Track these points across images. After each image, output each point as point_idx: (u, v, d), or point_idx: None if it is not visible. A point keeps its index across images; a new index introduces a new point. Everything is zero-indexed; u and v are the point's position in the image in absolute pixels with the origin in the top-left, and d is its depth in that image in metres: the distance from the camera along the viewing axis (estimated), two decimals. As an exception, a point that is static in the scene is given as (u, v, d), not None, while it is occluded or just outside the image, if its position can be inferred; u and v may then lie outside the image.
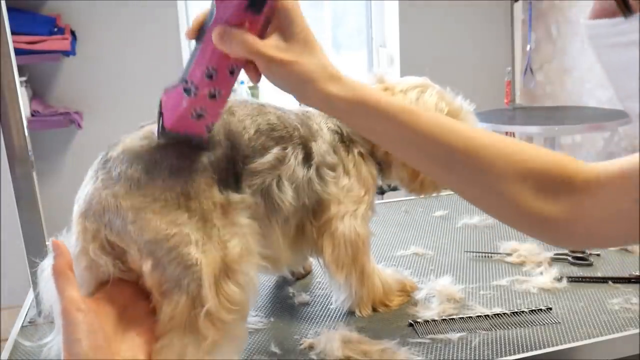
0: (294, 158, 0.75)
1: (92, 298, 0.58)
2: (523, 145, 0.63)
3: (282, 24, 0.57)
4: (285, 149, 0.74)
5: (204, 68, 0.58)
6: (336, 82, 0.59)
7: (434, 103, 0.85)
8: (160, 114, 0.61)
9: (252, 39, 0.56)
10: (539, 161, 0.62)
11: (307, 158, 0.77)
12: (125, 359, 0.56)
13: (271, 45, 0.57)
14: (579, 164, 0.62)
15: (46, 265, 0.62)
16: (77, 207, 0.62)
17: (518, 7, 3.14)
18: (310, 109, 0.84)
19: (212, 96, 0.59)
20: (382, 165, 0.86)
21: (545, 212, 0.61)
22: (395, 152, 0.66)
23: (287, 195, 0.73)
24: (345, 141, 0.82)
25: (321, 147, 0.79)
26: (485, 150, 0.61)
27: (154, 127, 0.64)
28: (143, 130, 0.66)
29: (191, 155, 0.64)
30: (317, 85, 0.58)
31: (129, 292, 0.60)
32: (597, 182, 0.60)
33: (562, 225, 0.61)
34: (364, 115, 0.60)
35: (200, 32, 0.59)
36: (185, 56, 2.91)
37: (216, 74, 0.58)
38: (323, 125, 0.81)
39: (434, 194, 0.89)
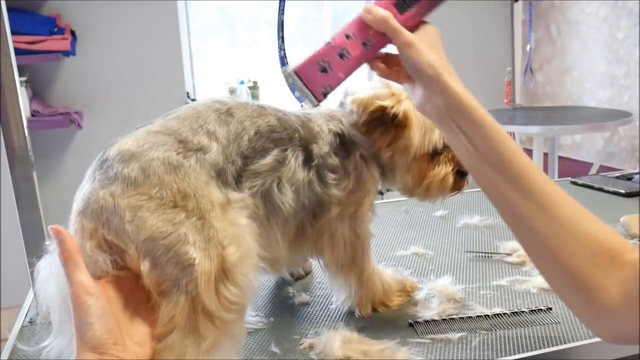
0: (294, 160, 0.75)
1: (99, 283, 0.58)
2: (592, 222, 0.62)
3: (420, 31, 0.70)
4: (285, 150, 0.74)
5: (347, 31, 0.68)
6: (455, 79, 0.67)
7: None
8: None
9: (395, 20, 0.68)
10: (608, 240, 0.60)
11: (308, 160, 0.77)
12: (137, 342, 0.56)
13: (411, 35, 0.68)
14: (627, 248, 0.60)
15: (42, 266, 0.62)
16: (75, 206, 0.62)
17: (518, 7, 3.15)
18: (312, 111, 0.84)
19: (341, 55, 0.68)
20: (385, 169, 0.86)
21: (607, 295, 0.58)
22: (469, 163, 0.68)
23: (287, 197, 0.73)
24: (346, 143, 0.82)
25: (322, 148, 0.78)
26: (562, 215, 0.61)
27: (151, 127, 0.66)
28: (139, 131, 0.66)
29: (188, 154, 0.64)
30: (441, 75, 0.66)
31: (132, 279, 0.60)
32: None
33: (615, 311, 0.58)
34: (464, 118, 0.66)
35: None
36: (185, 56, 2.91)
37: (354, 38, 0.68)
38: (324, 127, 0.81)
39: (439, 200, 0.89)
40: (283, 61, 1.03)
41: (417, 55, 0.67)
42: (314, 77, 0.68)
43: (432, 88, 0.67)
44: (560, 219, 0.61)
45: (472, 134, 0.65)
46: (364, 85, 0.87)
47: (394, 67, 0.72)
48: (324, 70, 0.68)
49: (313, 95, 0.70)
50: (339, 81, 0.70)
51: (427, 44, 0.68)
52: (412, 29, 0.70)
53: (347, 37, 0.68)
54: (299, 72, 0.69)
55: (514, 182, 0.63)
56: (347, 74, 0.70)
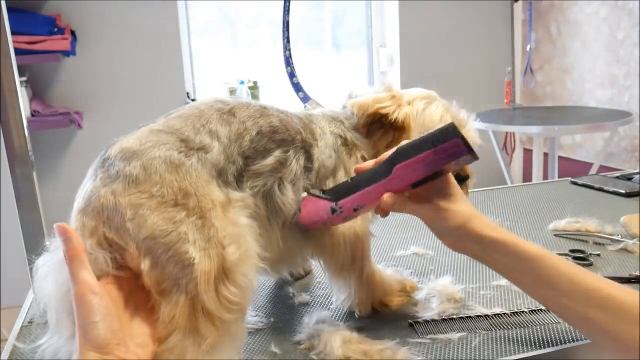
0: (296, 161, 0.75)
1: (101, 282, 0.58)
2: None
3: (438, 186, 0.71)
4: (287, 151, 0.74)
5: (356, 204, 0.72)
6: (483, 222, 0.70)
7: (440, 115, 0.85)
8: (298, 209, 0.75)
9: (420, 208, 0.71)
10: None
11: (309, 161, 0.77)
12: (138, 344, 0.56)
13: (431, 210, 0.71)
14: None
15: (41, 264, 0.62)
16: (76, 204, 0.62)
17: (518, 7, 3.15)
18: (314, 113, 0.84)
19: (345, 219, 0.75)
20: None
21: None
22: (525, 289, 0.71)
23: (288, 198, 0.73)
24: (348, 145, 0.82)
25: (323, 150, 0.79)
26: (622, 313, 0.62)
27: (153, 126, 0.67)
28: (141, 130, 0.66)
29: (190, 152, 0.64)
30: (468, 228, 0.70)
31: (132, 279, 0.60)
32: None
33: None
34: (504, 253, 0.69)
35: (362, 175, 0.74)
36: (185, 56, 2.91)
37: (360, 209, 0.73)
38: (326, 129, 0.81)
39: None
40: (288, 61, 1.04)
41: (444, 223, 0.70)
42: (317, 225, 0.77)
43: (466, 241, 0.71)
44: (624, 312, 0.62)
45: (516, 264, 0.69)
46: (366, 89, 0.87)
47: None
48: (325, 224, 0.76)
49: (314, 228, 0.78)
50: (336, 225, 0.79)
51: (449, 201, 0.70)
52: (425, 191, 0.72)
53: (355, 210, 0.73)
54: (304, 223, 0.76)
55: (570, 295, 0.65)
56: (342, 222, 0.77)
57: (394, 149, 0.71)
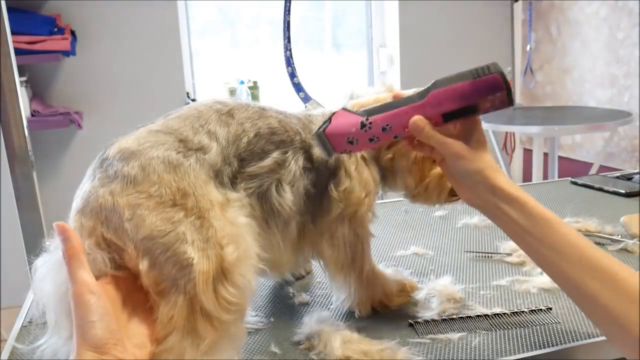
0: (295, 162, 0.75)
1: (99, 282, 0.58)
2: None
3: (467, 129, 0.72)
4: (285, 153, 0.74)
5: (386, 123, 0.71)
6: (501, 175, 0.71)
7: None
8: (329, 120, 0.73)
9: (447, 141, 0.71)
10: None
11: (309, 161, 0.77)
12: (135, 344, 0.56)
13: (458, 146, 0.71)
14: None
15: (40, 264, 0.61)
16: (75, 205, 0.62)
17: (518, 7, 3.15)
18: (314, 113, 0.84)
19: (371, 140, 0.72)
20: (386, 172, 0.86)
21: None
22: (529, 249, 0.70)
23: (286, 199, 0.73)
24: None
25: None
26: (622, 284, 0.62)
27: (152, 126, 0.67)
28: (140, 130, 0.66)
29: (188, 153, 0.64)
30: (487, 174, 0.70)
31: (130, 280, 0.60)
32: None
33: None
34: (515, 208, 0.69)
35: (398, 100, 0.73)
36: (185, 56, 2.91)
37: (389, 130, 0.71)
38: None
39: (437, 204, 0.88)
40: (289, 62, 1.04)
41: (466, 164, 0.71)
42: (340, 143, 0.73)
43: (481, 189, 0.71)
44: (626, 291, 0.62)
45: (525, 222, 0.68)
46: (367, 90, 0.87)
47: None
48: (351, 143, 0.72)
49: (333, 150, 0.73)
50: (361, 150, 0.79)
51: (473, 147, 0.71)
52: (453, 131, 0.73)
53: (384, 129, 0.71)
54: (329, 136, 0.72)
55: (573, 263, 0.65)
56: (370, 149, 0.78)
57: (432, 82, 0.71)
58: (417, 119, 0.70)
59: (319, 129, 0.73)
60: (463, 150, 0.70)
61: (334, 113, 0.74)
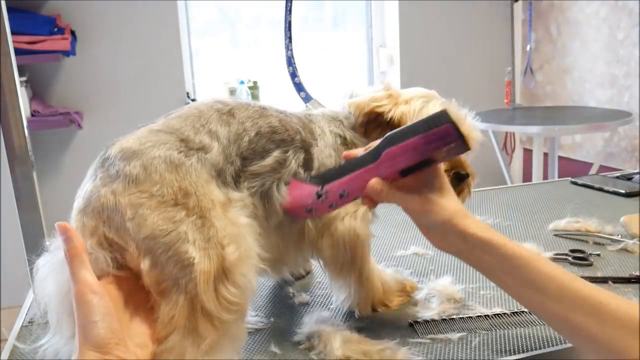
0: (295, 161, 0.75)
1: (101, 282, 0.58)
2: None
3: (428, 177, 0.70)
4: (286, 152, 0.74)
5: (342, 189, 0.70)
6: (470, 220, 0.69)
7: None
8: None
9: (407, 198, 0.70)
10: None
11: (308, 161, 0.77)
12: (137, 344, 0.56)
13: (418, 200, 0.70)
14: None
15: (41, 264, 0.62)
16: (76, 204, 0.62)
17: (518, 7, 3.15)
18: (314, 112, 0.84)
19: (330, 206, 0.72)
20: None
21: None
22: (510, 291, 0.69)
23: (287, 198, 0.73)
24: (347, 144, 0.82)
25: (323, 149, 0.79)
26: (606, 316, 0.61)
27: (153, 126, 0.67)
28: (141, 130, 0.66)
29: (190, 152, 0.64)
30: (455, 222, 0.68)
31: (132, 279, 0.60)
32: None
33: None
34: (490, 253, 0.67)
35: (350, 161, 0.72)
36: (185, 56, 2.91)
37: (346, 196, 0.71)
38: (326, 129, 0.81)
39: None
40: (290, 61, 1.04)
41: (432, 217, 0.69)
42: (300, 214, 0.74)
43: (452, 238, 0.69)
44: (611, 318, 0.60)
45: (502, 264, 0.67)
46: (366, 89, 0.87)
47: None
48: (310, 212, 0.72)
49: (297, 219, 0.75)
50: (324, 215, 0.77)
51: (437, 195, 0.69)
52: (413, 181, 0.71)
53: (341, 195, 0.70)
54: (287, 211, 0.73)
55: (555, 298, 0.63)
56: (329, 212, 0.76)
57: (384, 137, 0.69)
58: (374, 182, 0.69)
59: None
60: (425, 205, 0.69)
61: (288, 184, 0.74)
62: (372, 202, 0.72)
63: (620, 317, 0.60)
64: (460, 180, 0.83)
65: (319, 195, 0.70)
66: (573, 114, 2.60)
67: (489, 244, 0.67)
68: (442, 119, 0.65)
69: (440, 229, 0.69)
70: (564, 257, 1.00)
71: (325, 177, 0.72)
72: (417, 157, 0.67)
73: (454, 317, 0.81)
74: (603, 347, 0.60)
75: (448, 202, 0.69)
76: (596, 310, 0.61)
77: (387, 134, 0.69)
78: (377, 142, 0.70)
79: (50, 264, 0.61)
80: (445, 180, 0.71)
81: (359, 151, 0.73)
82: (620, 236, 1.07)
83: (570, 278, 0.64)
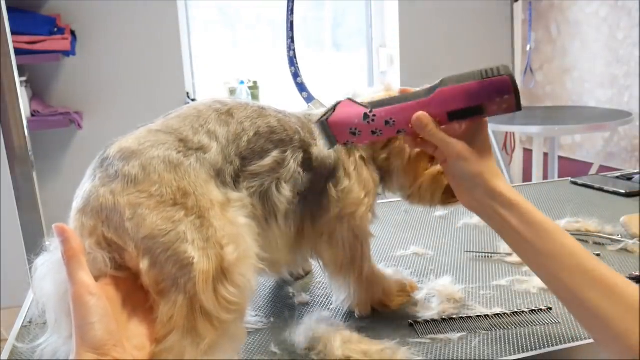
0: (294, 161, 0.75)
1: (99, 283, 0.58)
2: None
3: (472, 131, 0.71)
4: (284, 152, 0.74)
5: (390, 117, 0.70)
6: (501, 181, 0.70)
7: None
8: (334, 108, 0.72)
9: (450, 140, 0.70)
10: None
11: (307, 161, 0.77)
12: (135, 345, 0.56)
13: (460, 146, 0.70)
14: None
15: (40, 264, 0.61)
16: (75, 204, 0.62)
17: (518, 7, 3.15)
18: (313, 112, 0.84)
19: (374, 132, 0.71)
20: (382, 172, 0.86)
21: None
22: (526, 256, 0.70)
23: (286, 198, 0.73)
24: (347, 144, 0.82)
25: (322, 150, 0.78)
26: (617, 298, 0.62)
27: (152, 126, 0.67)
28: (140, 130, 0.66)
29: (188, 152, 0.64)
30: (488, 178, 0.70)
31: (130, 280, 0.60)
32: None
33: None
34: (515, 215, 0.68)
35: (404, 94, 0.72)
36: (185, 56, 2.91)
37: (392, 125, 0.70)
38: None
39: (431, 205, 0.87)
40: (292, 61, 1.04)
41: (467, 166, 0.70)
42: (342, 133, 0.72)
43: (480, 193, 0.70)
44: (623, 300, 0.61)
45: (525, 229, 0.67)
46: (366, 90, 0.87)
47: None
48: (354, 134, 0.71)
49: (335, 140, 0.72)
50: (364, 143, 0.78)
51: (477, 150, 0.70)
52: (457, 131, 0.72)
53: (387, 123, 0.70)
54: (332, 125, 0.71)
55: (572, 273, 0.64)
56: (373, 141, 0.76)
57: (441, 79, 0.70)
58: (421, 114, 0.69)
59: (321, 117, 0.72)
60: (465, 152, 0.70)
61: (339, 102, 0.73)
62: (413, 140, 0.73)
63: (635, 301, 0.60)
64: None
65: (365, 116, 0.70)
66: (573, 114, 2.60)
67: (516, 206, 0.68)
68: (501, 70, 0.67)
69: (470, 181, 0.70)
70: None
71: (376, 103, 0.71)
72: (469, 101, 0.68)
73: (454, 317, 0.81)
74: (609, 327, 0.61)
75: (486, 159, 0.70)
76: (611, 290, 0.62)
77: (444, 77, 0.70)
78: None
79: (49, 263, 0.61)
80: (488, 140, 0.71)
81: (417, 89, 0.74)
82: (620, 236, 1.07)
83: (590, 257, 0.65)
